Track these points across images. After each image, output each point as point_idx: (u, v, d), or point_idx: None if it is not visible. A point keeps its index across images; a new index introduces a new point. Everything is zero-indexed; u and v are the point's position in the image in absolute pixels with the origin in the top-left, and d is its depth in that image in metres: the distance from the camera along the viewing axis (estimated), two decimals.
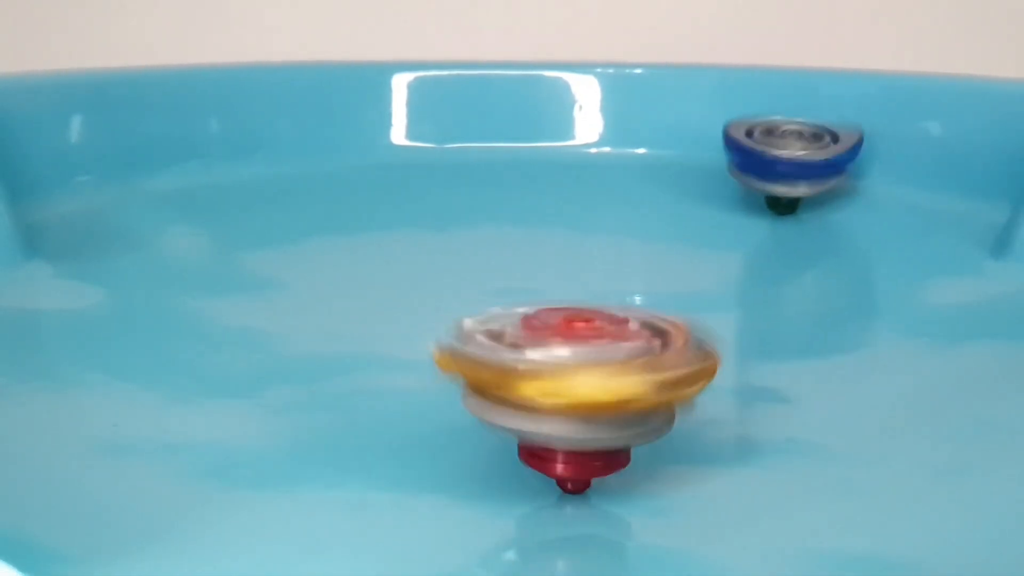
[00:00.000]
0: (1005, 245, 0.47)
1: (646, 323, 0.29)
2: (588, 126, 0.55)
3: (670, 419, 0.28)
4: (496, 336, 0.28)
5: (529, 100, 0.55)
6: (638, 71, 0.56)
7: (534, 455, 0.29)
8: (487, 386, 0.27)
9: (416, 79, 0.55)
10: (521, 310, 0.29)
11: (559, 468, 0.28)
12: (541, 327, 0.28)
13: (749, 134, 0.48)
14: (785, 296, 0.45)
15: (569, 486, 0.29)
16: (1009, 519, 0.31)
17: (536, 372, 0.26)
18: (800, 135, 0.48)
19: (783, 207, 0.49)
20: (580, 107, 0.55)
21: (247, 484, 0.33)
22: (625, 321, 0.28)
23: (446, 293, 0.44)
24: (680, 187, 0.53)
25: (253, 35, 0.63)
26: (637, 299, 0.43)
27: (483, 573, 0.30)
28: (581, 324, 0.28)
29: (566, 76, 0.56)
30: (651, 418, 0.28)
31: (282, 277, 0.45)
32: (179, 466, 0.33)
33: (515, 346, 0.28)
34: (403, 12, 0.63)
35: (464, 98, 0.55)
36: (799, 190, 0.48)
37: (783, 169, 0.47)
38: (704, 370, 0.28)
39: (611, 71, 0.56)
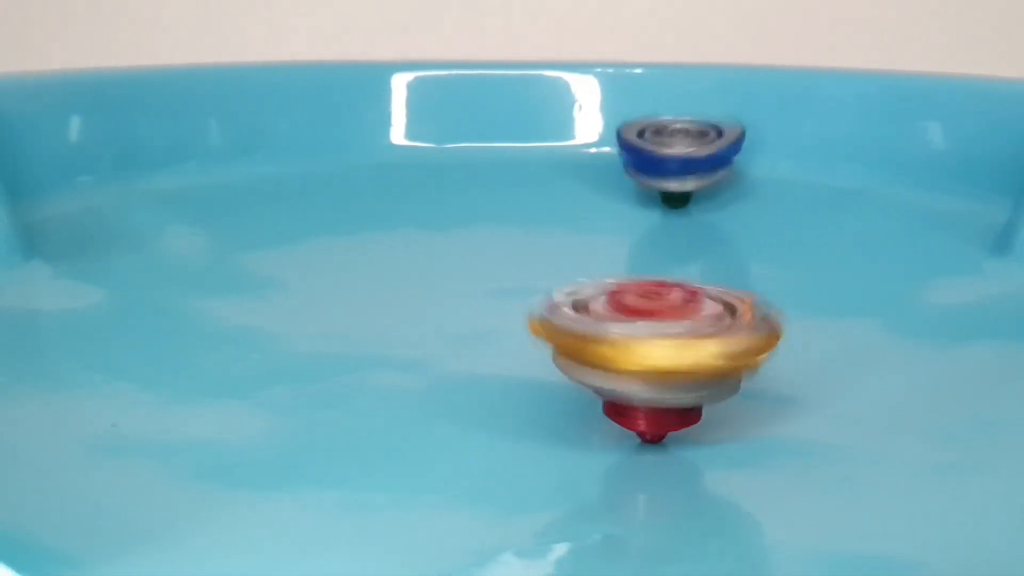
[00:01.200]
0: (1005, 245, 0.47)
1: (717, 298, 0.32)
2: (588, 126, 0.55)
3: (737, 383, 0.32)
4: (582, 308, 0.32)
5: (529, 100, 0.55)
6: (638, 71, 0.56)
7: (617, 411, 0.32)
8: (574, 352, 0.31)
9: (416, 79, 0.55)
10: (609, 283, 0.33)
11: (640, 423, 0.32)
12: (623, 303, 0.32)
13: (640, 135, 0.50)
14: (784, 294, 0.45)
15: (648, 437, 0.33)
16: (1009, 519, 0.31)
17: (617, 343, 0.30)
18: (687, 133, 0.50)
19: (675, 201, 0.50)
20: (580, 107, 0.55)
21: (247, 484, 0.33)
22: (698, 294, 0.32)
23: (446, 293, 0.44)
24: None
25: (253, 35, 0.63)
26: None
27: (480, 572, 0.30)
28: (655, 298, 0.32)
29: (566, 76, 0.56)
30: (719, 382, 0.31)
31: (282, 277, 0.45)
32: (179, 466, 0.33)
33: (601, 319, 0.31)
34: (403, 12, 0.63)
35: (464, 98, 0.55)
36: (688, 184, 0.50)
37: (673, 166, 0.49)
38: (766, 341, 0.31)
39: (611, 71, 0.56)
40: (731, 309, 0.32)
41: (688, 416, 0.32)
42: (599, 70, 0.56)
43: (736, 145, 0.50)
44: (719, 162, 0.50)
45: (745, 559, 0.30)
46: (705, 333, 0.31)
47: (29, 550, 0.29)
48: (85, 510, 0.31)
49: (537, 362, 0.33)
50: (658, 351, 0.30)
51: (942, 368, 0.39)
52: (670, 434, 0.33)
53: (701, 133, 0.50)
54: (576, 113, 0.55)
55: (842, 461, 0.34)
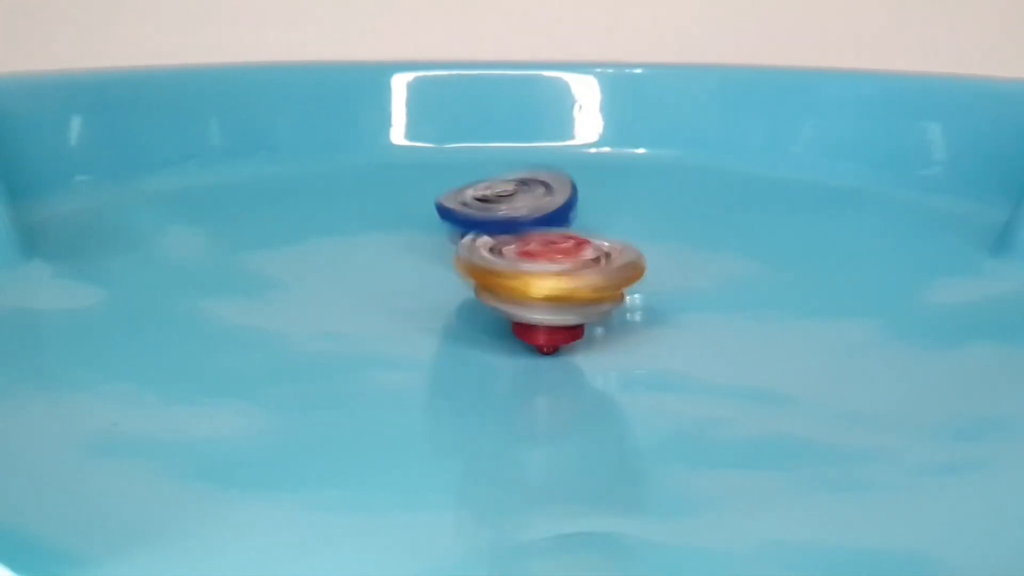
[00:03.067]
0: (1005, 245, 0.47)
1: (599, 247, 0.40)
2: (588, 126, 0.55)
3: (609, 309, 0.40)
4: (497, 251, 0.40)
5: (529, 100, 0.55)
6: (638, 71, 0.56)
7: (520, 330, 0.40)
8: (485, 283, 0.39)
9: (416, 79, 0.55)
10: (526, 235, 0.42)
11: (540, 338, 0.40)
12: (524, 248, 0.40)
13: (464, 205, 0.45)
14: (783, 295, 0.45)
15: (545, 350, 0.40)
16: (1010, 519, 0.31)
17: (514, 275, 0.39)
18: (513, 192, 0.46)
19: None
20: (580, 107, 0.55)
21: (247, 484, 0.33)
22: (586, 243, 0.40)
23: (446, 293, 0.44)
24: (680, 187, 0.53)
25: (253, 35, 0.63)
26: (637, 297, 0.43)
27: (482, 572, 0.30)
28: (551, 245, 0.40)
29: (566, 76, 0.56)
30: (593, 307, 0.39)
31: (282, 277, 0.45)
32: (179, 466, 0.33)
33: (511, 258, 0.40)
34: (403, 12, 0.63)
35: (464, 98, 0.55)
36: None
37: (507, 229, 0.43)
38: (624, 280, 0.39)
39: (611, 71, 0.56)
40: (607, 255, 0.40)
41: (574, 332, 0.40)
42: (599, 70, 0.56)
43: (571, 201, 0.46)
44: (556, 222, 0.44)
45: (745, 559, 0.30)
46: (576, 270, 0.39)
47: (29, 550, 0.29)
48: (85, 510, 0.31)
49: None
50: (539, 281, 0.38)
51: (942, 368, 0.39)
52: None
53: (527, 185, 0.46)
54: (576, 113, 0.55)
55: (842, 461, 0.34)
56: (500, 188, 0.46)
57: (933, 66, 0.56)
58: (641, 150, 0.55)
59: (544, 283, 0.38)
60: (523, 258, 0.40)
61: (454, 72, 0.56)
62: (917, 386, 0.38)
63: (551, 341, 0.40)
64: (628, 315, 0.42)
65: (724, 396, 0.38)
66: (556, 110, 0.55)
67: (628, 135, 0.55)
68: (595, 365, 0.39)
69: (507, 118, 0.55)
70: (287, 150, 0.54)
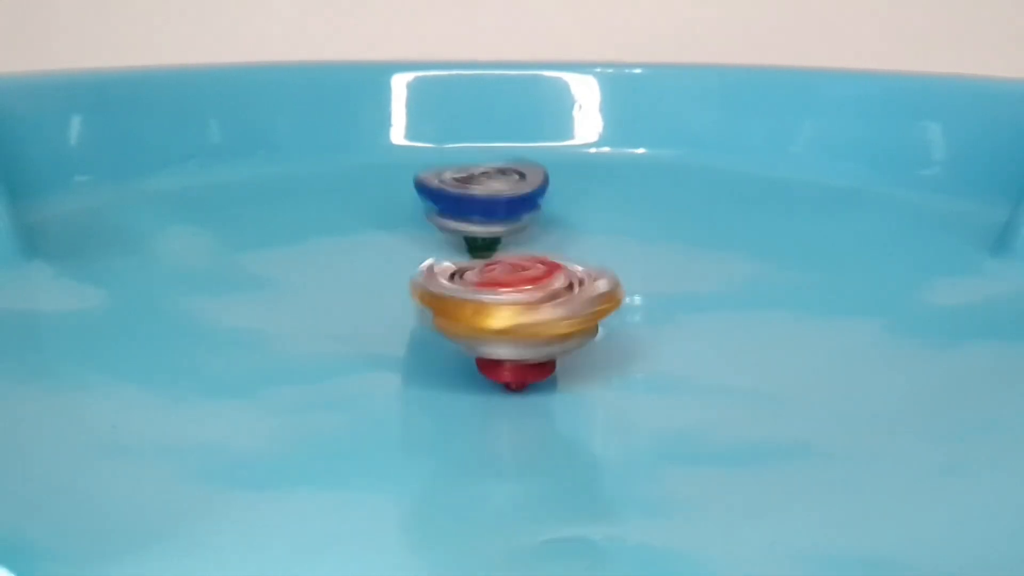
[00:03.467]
0: (1005, 245, 0.47)
1: (572, 273, 0.37)
2: (588, 126, 0.55)
3: (579, 342, 0.37)
4: (457, 277, 0.37)
5: (529, 100, 0.55)
6: (638, 71, 0.56)
7: (486, 365, 0.37)
8: (442, 313, 0.36)
9: (416, 79, 0.55)
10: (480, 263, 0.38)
11: (505, 375, 0.37)
12: (488, 274, 0.37)
13: (442, 180, 0.47)
14: (783, 295, 0.45)
15: (512, 387, 0.37)
16: (1009, 519, 0.31)
17: (472, 305, 0.36)
18: (490, 176, 0.47)
19: (480, 249, 0.47)
20: (580, 107, 0.55)
21: (247, 484, 0.33)
22: (558, 269, 0.37)
23: None
24: (680, 187, 0.53)
25: (253, 35, 0.63)
26: (636, 298, 0.43)
27: (483, 572, 0.30)
28: (518, 271, 0.37)
29: (566, 76, 0.56)
30: (562, 341, 0.36)
31: (282, 277, 0.45)
32: (178, 466, 0.33)
33: (469, 286, 0.37)
34: (403, 12, 0.63)
35: (464, 98, 0.55)
36: (495, 229, 0.47)
37: (480, 208, 0.46)
38: (596, 313, 0.36)
39: (611, 71, 0.56)
40: (579, 282, 0.37)
41: (544, 368, 0.37)
42: (599, 70, 0.56)
43: (542, 188, 0.47)
44: (527, 205, 0.47)
45: (745, 559, 0.30)
46: (545, 301, 0.36)
47: (29, 550, 0.29)
48: (85, 510, 0.31)
49: None
50: (500, 314, 0.35)
51: (942, 368, 0.39)
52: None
53: (503, 174, 0.47)
54: (576, 113, 0.55)
55: (842, 461, 0.34)
56: (477, 171, 0.47)
57: (933, 66, 0.56)
58: (641, 150, 0.55)
59: (503, 315, 0.35)
60: (485, 287, 0.36)
61: (454, 72, 0.56)
62: (917, 386, 0.38)
63: (518, 377, 0.37)
64: (627, 316, 0.42)
65: (724, 396, 0.38)
66: (556, 110, 0.55)
67: (628, 135, 0.55)
68: (595, 366, 0.39)
69: (507, 118, 0.55)
70: (287, 150, 0.54)
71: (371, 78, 0.55)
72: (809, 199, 0.50)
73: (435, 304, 0.36)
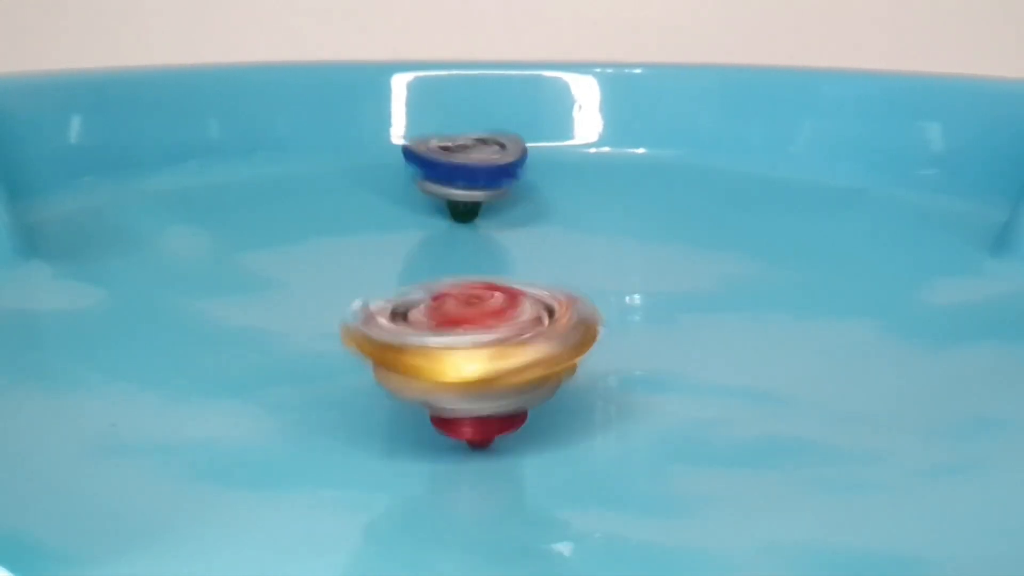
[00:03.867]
0: (1005, 245, 0.46)
1: (538, 300, 0.31)
2: (588, 126, 0.55)
3: (556, 385, 0.30)
4: (399, 316, 0.30)
5: (529, 100, 0.55)
6: (637, 71, 0.56)
7: (444, 423, 0.31)
8: (390, 365, 0.30)
9: (416, 79, 0.55)
10: (433, 285, 0.31)
11: (467, 432, 0.31)
12: (442, 310, 0.30)
13: (428, 149, 0.49)
14: (783, 295, 0.45)
15: (475, 444, 0.31)
16: (1009, 519, 0.31)
17: (430, 354, 0.29)
18: (471, 146, 0.50)
19: (462, 213, 0.50)
20: (580, 107, 0.55)
21: (246, 484, 0.32)
22: (519, 297, 0.30)
23: None
24: (680, 187, 0.53)
25: (253, 35, 0.63)
26: (636, 298, 0.43)
27: (487, 571, 0.30)
28: (476, 303, 0.30)
29: (566, 76, 0.56)
30: (538, 387, 0.30)
31: (282, 277, 0.45)
32: (178, 466, 0.33)
33: (417, 328, 0.30)
34: (403, 12, 0.63)
35: (464, 98, 0.55)
36: (477, 194, 0.49)
37: (466, 175, 0.49)
38: (578, 347, 0.30)
39: (610, 71, 0.56)
40: (550, 311, 0.31)
41: (513, 420, 0.31)
42: (599, 70, 0.56)
43: (522, 159, 0.50)
44: (507, 174, 0.49)
45: (744, 559, 0.30)
46: (518, 340, 0.29)
47: (29, 550, 0.29)
48: (85, 510, 0.31)
49: None
50: (470, 362, 0.29)
51: (941, 368, 0.39)
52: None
53: (485, 144, 0.50)
54: (576, 113, 0.55)
55: (841, 461, 0.34)
56: (461, 141, 0.50)
57: (933, 66, 0.56)
58: (641, 150, 0.55)
59: (473, 361, 0.29)
60: (441, 327, 0.30)
61: (454, 72, 0.56)
62: (917, 386, 0.38)
63: (480, 435, 0.31)
64: (628, 316, 0.42)
65: (724, 396, 0.38)
66: (556, 110, 0.55)
67: (628, 135, 0.55)
68: (595, 367, 0.39)
69: (507, 118, 0.55)
70: (287, 150, 0.54)
71: (371, 78, 0.55)
72: (809, 199, 0.50)
73: (379, 354, 0.30)
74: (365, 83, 0.55)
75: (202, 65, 0.56)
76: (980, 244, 0.47)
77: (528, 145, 0.51)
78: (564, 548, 0.31)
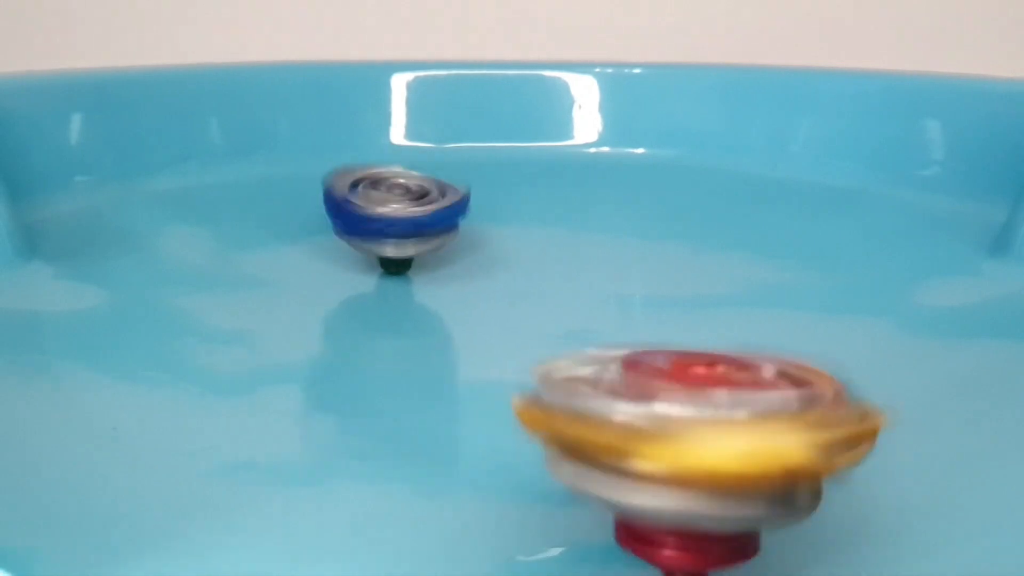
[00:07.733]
0: (1005, 245, 0.47)
1: (782, 371, 0.23)
2: (587, 126, 0.55)
3: (817, 494, 0.22)
4: (592, 383, 0.22)
5: (529, 100, 0.55)
6: (637, 71, 0.56)
7: (635, 537, 0.22)
8: (588, 450, 0.21)
9: (416, 79, 0.55)
10: (618, 352, 0.23)
11: (667, 553, 0.22)
12: (651, 371, 0.22)
13: (355, 185, 0.44)
14: (783, 295, 0.45)
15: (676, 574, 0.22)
16: (1009, 519, 0.31)
17: (656, 431, 0.20)
18: (407, 190, 0.44)
19: (395, 267, 0.44)
20: (579, 107, 0.55)
21: (246, 485, 0.32)
22: (757, 367, 0.23)
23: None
24: (680, 187, 0.53)
25: (253, 35, 0.63)
26: (636, 298, 0.43)
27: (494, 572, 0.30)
28: (701, 370, 0.22)
29: (565, 76, 0.56)
30: (796, 492, 0.22)
31: (281, 277, 0.45)
32: (178, 467, 0.33)
33: (616, 395, 0.22)
34: (403, 12, 0.63)
35: (464, 98, 0.55)
36: (408, 250, 0.43)
37: (386, 228, 0.43)
38: (867, 430, 0.23)
39: (610, 71, 0.56)
40: (801, 381, 0.23)
41: (742, 546, 0.22)
42: (599, 70, 0.56)
43: (461, 205, 0.44)
44: (442, 223, 0.43)
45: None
46: (793, 410, 0.21)
47: (28, 551, 0.29)
48: (85, 511, 0.31)
49: None
50: (717, 438, 0.20)
51: (941, 368, 0.39)
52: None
53: (422, 190, 0.44)
54: (576, 113, 0.55)
55: None
56: (392, 181, 0.44)
57: (933, 66, 0.56)
58: (641, 150, 0.55)
59: (727, 440, 0.20)
60: (644, 386, 0.21)
61: (454, 72, 0.56)
62: (916, 386, 0.38)
63: (696, 565, 0.22)
64: (627, 316, 0.42)
65: None
66: (556, 110, 0.55)
67: (628, 135, 0.55)
68: None
69: (507, 118, 0.55)
70: (287, 150, 0.54)
71: (371, 78, 0.55)
72: (809, 199, 0.50)
73: (565, 429, 0.21)
74: (365, 83, 0.55)
75: (202, 65, 0.56)
76: (980, 244, 0.47)
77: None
78: (564, 548, 0.31)
